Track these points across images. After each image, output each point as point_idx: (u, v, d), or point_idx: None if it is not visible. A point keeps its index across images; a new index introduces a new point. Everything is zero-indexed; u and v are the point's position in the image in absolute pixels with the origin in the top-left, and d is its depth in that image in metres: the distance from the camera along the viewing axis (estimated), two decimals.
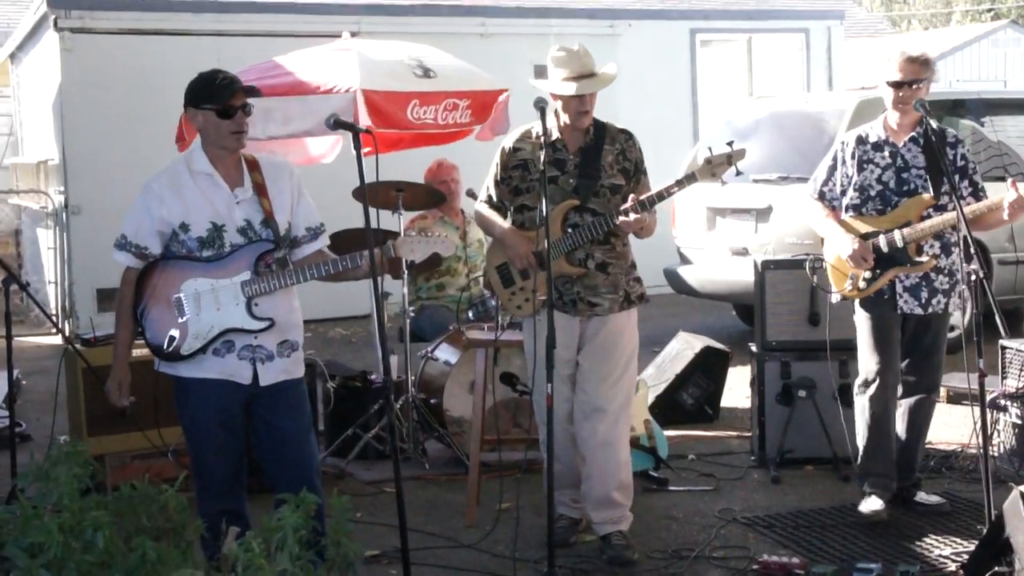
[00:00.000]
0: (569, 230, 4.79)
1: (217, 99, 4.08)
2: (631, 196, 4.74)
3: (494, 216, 5.00)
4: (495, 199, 5.00)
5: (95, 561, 2.41)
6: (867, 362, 5.23)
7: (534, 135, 4.88)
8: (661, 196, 4.73)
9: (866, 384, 5.22)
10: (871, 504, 5.16)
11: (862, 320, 5.24)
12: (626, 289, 4.92)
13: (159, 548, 2.45)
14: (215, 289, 4.10)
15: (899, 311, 5.14)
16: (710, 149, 4.73)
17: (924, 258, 5.07)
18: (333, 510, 2.94)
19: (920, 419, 5.31)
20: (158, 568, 2.41)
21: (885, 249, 5.06)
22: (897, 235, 5.04)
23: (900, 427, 5.30)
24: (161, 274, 4.15)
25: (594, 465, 4.92)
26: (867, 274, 5.12)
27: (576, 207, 4.81)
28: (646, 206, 4.69)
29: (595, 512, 4.95)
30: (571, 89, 4.74)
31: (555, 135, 4.86)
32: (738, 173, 4.83)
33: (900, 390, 5.26)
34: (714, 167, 4.72)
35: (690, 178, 4.72)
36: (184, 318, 4.12)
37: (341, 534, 2.74)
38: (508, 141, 5.00)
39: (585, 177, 4.81)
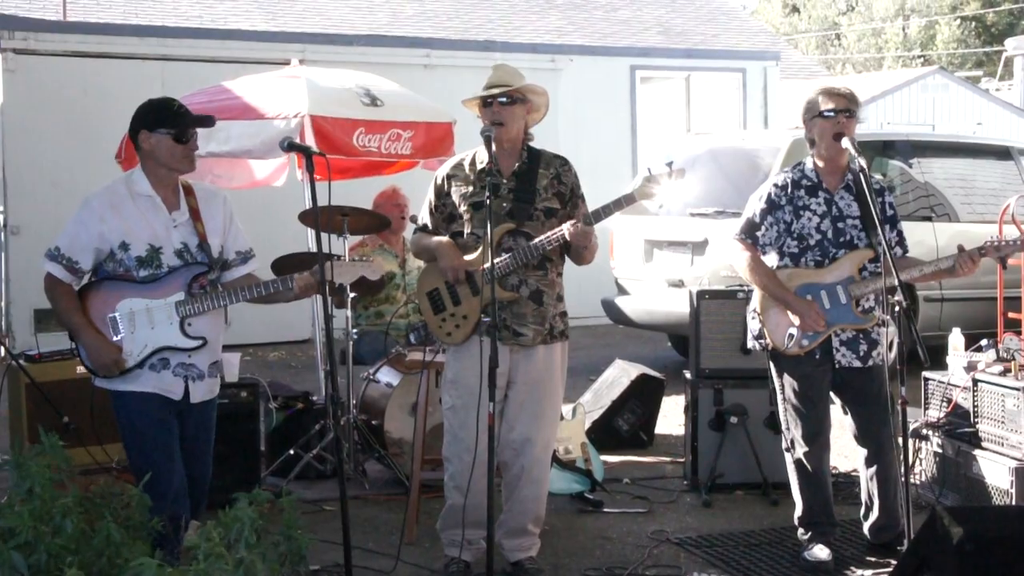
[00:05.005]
0: (503, 255, 4.72)
1: (174, 124, 4.29)
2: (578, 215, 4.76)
3: (429, 237, 4.95)
4: (430, 227, 4.96)
5: (63, 545, 2.52)
6: (800, 424, 5.12)
7: (467, 163, 4.93)
8: (598, 215, 4.70)
9: (802, 444, 5.11)
10: (817, 553, 5.05)
11: (788, 379, 5.13)
12: (551, 323, 4.86)
13: (123, 532, 2.56)
14: (149, 309, 4.27)
15: (836, 365, 5.04)
16: (649, 169, 4.75)
17: (869, 316, 4.99)
18: (284, 506, 3.08)
19: (894, 478, 5.04)
20: (121, 550, 2.52)
21: (827, 305, 4.99)
22: (841, 292, 4.99)
23: (876, 493, 5.14)
24: (96, 294, 4.31)
25: (518, 501, 4.94)
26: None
27: (511, 231, 4.77)
28: (590, 221, 4.68)
29: (508, 540, 4.95)
30: (482, 91, 4.79)
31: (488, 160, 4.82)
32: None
33: (864, 455, 5.14)
34: (652, 185, 4.71)
35: (628, 198, 4.73)
36: (118, 336, 4.27)
37: (292, 528, 2.86)
38: (442, 170, 5.00)
39: (519, 200, 4.78)
